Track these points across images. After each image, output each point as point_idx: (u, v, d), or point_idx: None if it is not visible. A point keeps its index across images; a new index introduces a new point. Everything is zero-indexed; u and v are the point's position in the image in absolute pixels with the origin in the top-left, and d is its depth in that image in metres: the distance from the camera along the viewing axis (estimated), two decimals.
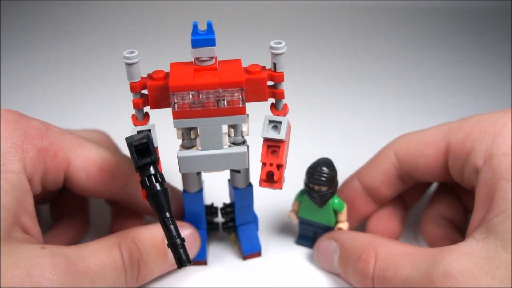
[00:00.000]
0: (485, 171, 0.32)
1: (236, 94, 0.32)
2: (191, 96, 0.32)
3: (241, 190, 0.38)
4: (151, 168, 0.31)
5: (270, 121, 0.34)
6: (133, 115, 0.34)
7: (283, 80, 0.34)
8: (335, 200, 0.38)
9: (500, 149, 0.32)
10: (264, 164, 0.35)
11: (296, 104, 0.65)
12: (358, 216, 0.41)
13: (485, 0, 0.99)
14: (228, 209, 0.40)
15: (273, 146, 0.35)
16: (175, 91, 0.31)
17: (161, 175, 0.32)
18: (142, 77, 0.33)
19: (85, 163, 0.35)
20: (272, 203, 0.46)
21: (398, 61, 0.80)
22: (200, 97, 0.32)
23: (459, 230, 0.41)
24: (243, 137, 0.36)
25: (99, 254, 0.32)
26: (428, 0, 1.01)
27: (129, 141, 0.31)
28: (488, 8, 0.98)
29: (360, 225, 0.42)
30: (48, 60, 0.79)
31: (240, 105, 0.32)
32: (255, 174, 0.38)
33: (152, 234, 0.36)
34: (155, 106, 0.34)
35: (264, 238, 0.43)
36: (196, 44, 0.31)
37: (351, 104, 0.67)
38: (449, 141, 0.35)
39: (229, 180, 0.39)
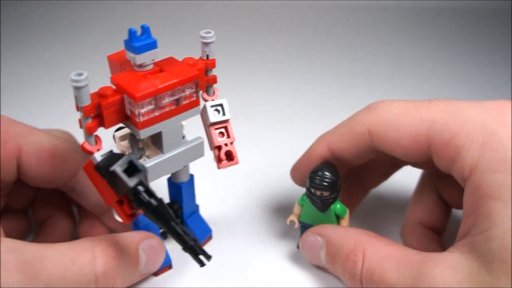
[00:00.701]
0: (471, 183, 0.30)
1: (189, 89, 0.33)
2: (153, 102, 0.31)
3: (186, 183, 0.39)
4: (140, 186, 0.30)
5: (212, 106, 0.36)
6: (84, 143, 0.31)
7: (215, 66, 0.36)
8: (337, 205, 0.38)
9: (487, 164, 0.30)
10: (219, 147, 0.37)
11: (296, 104, 0.67)
12: None
13: (485, 0, 0.98)
14: (174, 206, 0.40)
15: (220, 128, 0.37)
16: (142, 99, 0.31)
17: (150, 188, 0.31)
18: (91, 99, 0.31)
19: (36, 150, 0.35)
20: (272, 207, 0.47)
21: (398, 61, 0.80)
22: (161, 100, 0.32)
23: (437, 237, 0.41)
24: (183, 132, 0.37)
25: (63, 256, 0.30)
26: (428, 0, 0.99)
27: (110, 166, 0.30)
28: (488, 8, 0.98)
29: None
30: (48, 60, 0.79)
31: (195, 98, 0.34)
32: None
33: (126, 242, 0.34)
34: (110, 124, 0.32)
35: (265, 242, 0.43)
36: (140, 49, 0.31)
37: (352, 104, 0.65)
38: (431, 139, 0.33)
39: (168, 179, 0.40)
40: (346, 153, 0.38)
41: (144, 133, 0.32)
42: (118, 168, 0.30)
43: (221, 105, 0.36)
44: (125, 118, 0.32)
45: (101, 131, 0.32)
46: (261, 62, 0.82)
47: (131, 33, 0.31)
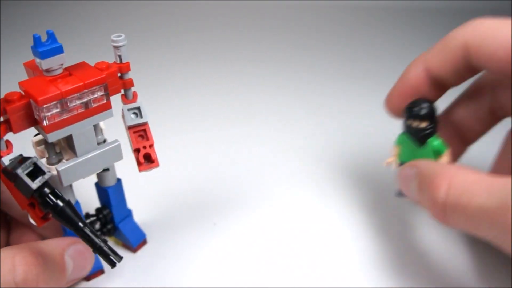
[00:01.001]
0: None
1: (98, 92, 0.34)
2: (59, 106, 0.32)
3: (113, 187, 0.40)
4: (46, 188, 0.31)
5: (129, 109, 0.37)
6: None
7: (129, 70, 0.36)
8: (436, 142, 0.37)
9: None
10: (137, 150, 0.37)
11: (296, 103, 0.68)
12: None
13: (485, 0, 1.00)
14: (104, 211, 0.41)
15: (139, 131, 0.37)
16: (45, 103, 0.31)
17: (57, 190, 0.31)
18: None
19: None
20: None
21: (398, 61, 0.77)
22: (68, 104, 0.32)
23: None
24: (103, 135, 0.37)
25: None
26: (428, 0, 1.00)
27: (14, 169, 0.30)
28: (488, 8, 0.98)
29: None
30: None
31: (105, 101, 0.34)
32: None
33: (50, 248, 0.35)
34: (19, 129, 0.32)
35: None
36: (45, 55, 0.32)
37: (351, 104, 0.68)
38: None
39: (96, 184, 0.40)
40: (442, 70, 0.37)
41: (52, 137, 0.33)
42: (20, 170, 0.30)
43: (138, 108, 0.37)
44: (35, 122, 0.33)
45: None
46: (260, 62, 0.83)
47: (35, 39, 0.32)
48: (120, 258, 0.32)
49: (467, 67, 0.36)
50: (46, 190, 0.31)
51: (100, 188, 0.40)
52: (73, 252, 0.36)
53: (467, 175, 0.32)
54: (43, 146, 0.36)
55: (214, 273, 0.41)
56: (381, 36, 0.93)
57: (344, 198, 0.49)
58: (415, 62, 0.39)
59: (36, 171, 0.31)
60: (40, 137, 0.36)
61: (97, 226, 0.41)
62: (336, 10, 1.03)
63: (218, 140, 0.60)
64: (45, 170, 0.31)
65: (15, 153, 0.32)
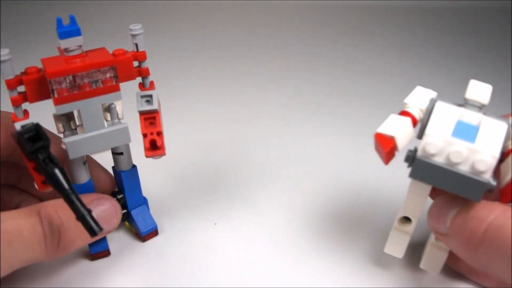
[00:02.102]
0: None
1: (108, 73, 0.36)
2: (68, 81, 0.35)
3: (127, 172, 0.42)
4: (43, 152, 0.34)
5: (142, 96, 0.39)
6: (12, 114, 0.36)
7: (145, 58, 0.39)
8: None
9: None
10: (145, 135, 0.39)
11: (298, 104, 0.71)
12: None
13: (485, 0, 1.01)
14: (118, 196, 0.43)
15: (149, 118, 0.39)
16: (53, 77, 0.34)
17: (54, 157, 0.34)
18: (16, 75, 0.35)
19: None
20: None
21: (398, 61, 0.83)
22: (76, 80, 0.35)
23: None
24: (119, 119, 0.40)
25: (16, 219, 0.33)
26: (428, 0, 1.03)
27: (16, 132, 0.33)
28: (488, 8, 1.01)
29: None
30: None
31: (114, 83, 0.37)
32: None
33: None
34: (34, 99, 0.36)
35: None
36: (63, 35, 0.35)
37: (352, 104, 0.70)
38: None
39: (113, 167, 0.42)
40: None
41: (60, 109, 0.36)
42: (20, 133, 0.33)
43: (150, 95, 0.39)
44: (49, 95, 0.36)
45: None
46: (258, 61, 0.84)
47: (57, 21, 0.35)
48: (100, 229, 0.33)
49: None
50: (42, 154, 0.33)
51: (116, 172, 0.42)
52: (96, 206, 0.39)
53: (508, 209, 0.31)
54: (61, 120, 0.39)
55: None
56: (381, 36, 0.92)
57: (345, 196, 0.49)
58: None
59: (38, 137, 0.34)
60: None
61: None
62: (336, 10, 1.03)
63: (219, 140, 0.60)
64: (44, 137, 0.34)
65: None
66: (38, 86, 0.36)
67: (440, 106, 0.35)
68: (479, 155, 0.31)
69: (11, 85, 0.35)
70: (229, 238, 0.44)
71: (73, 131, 0.38)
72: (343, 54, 0.87)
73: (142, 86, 0.40)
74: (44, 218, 0.35)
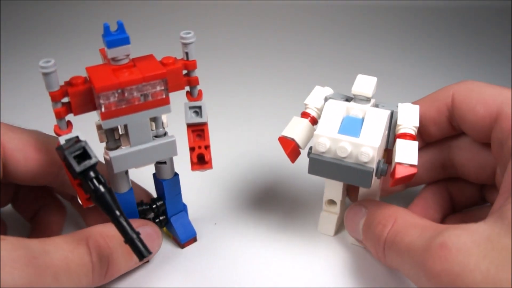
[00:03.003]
0: None
1: (158, 86, 0.34)
2: (116, 95, 0.33)
3: (169, 181, 0.40)
4: (91, 172, 0.32)
5: (191, 107, 0.37)
6: (56, 126, 0.34)
7: (196, 68, 0.36)
8: None
9: None
10: (192, 149, 0.37)
11: (298, 103, 0.68)
12: None
13: (485, 0, 1.00)
14: (158, 202, 0.41)
15: (197, 130, 0.37)
16: (102, 91, 0.32)
17: (102, 176, 0.32)
18: (60, 86, 0.33)
19: (20, 145, 0.35)
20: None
21: (398, 61, 0.82)
22: (125, 94, 0.33)
23: None
24: (164, 128, 0.38)
25: (63, 249, 0.31)
26: (428, 0, 1.02)
27: (62, 148, 0.31)
28: (488, 8, 0.99)
29: None
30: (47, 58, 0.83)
31: (164, 96, 0.34)
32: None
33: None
34: (79, 111, 0.34)
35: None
36: (111, 44, 0.33)
37: None
38: (501, 110, 0.35)
39: (154, 174, 0.41)
40: (427, 116, 0.39)
41: (107, 124, 0.33)
42: (67, 152, 0.31)
43: (199, 107, 0.37)
44: (95, 107, 0.34)
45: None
46: (257, 61, 0.83)
47: (105, 28, 0.33)
48: (149, 253, 0.32)
49: (448, 118, 0.39)
50: (91, 174, 0.32)
51: (157, 180, 0.40)
52: (141, 233, 0.37)
53: (410, 218, 0.34)
54: (103, 131, 0.37)
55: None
56: (382, 36, 0.92)
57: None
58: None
59: (84, 155, 0.32)
60: None
61: (151, 215, 0.42)
62: (336, 10, 1.02)
63: (219, 140, 0.58)
64: (92, 155, 0.32)
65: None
66: (84, 98, 0.33)
67: (330, 104, 0.38)
68: (362, 148, 0.34)
69: (56, 97, 0.32)
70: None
71: (117, 141, 0.37)
72: (346, 54, 0.86)
73: (190, 95, 0.37)
74: (93, 248, 0.33)
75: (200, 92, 0.38)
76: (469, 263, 0.27)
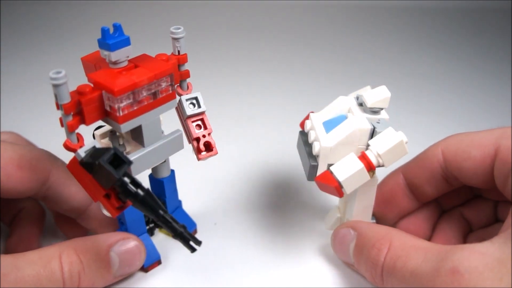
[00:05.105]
0: None
1: (164, 83, 0.34)
2: (131, 97, 0.32)
3: (168, 179, 0.40)
4: (126, 177, 0.31)
5: (187, 100, 0.38)
6: (67, 141, 0.32)
7: (187, 61, 0.37)
8: None
9: None
10: (197, 139, 0.38)
11: (299, 104, 0.68)
12: (399, 212, 0.41)
13: (485, 0, 0.99)
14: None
15: (196, 121, 0.38)
16: (120, 94, 0.31)
17: (136, 179, 0.32)
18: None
19: (3, 163, 0.34)
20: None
21: (397, 61, 0.81)
22: (137, 95, 0.33)
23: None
24: (160, 126, 0.38)
25: (36, 265, 0.31)
26: (428, 0, 0.99)
27: (95, 160, 0.30)
28: (488, 8, 0.98)
29: (398, 221, 0.42)
30: (48, 59, 0.78)
31: (170, 91, 0.35)
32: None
33: (95, 245, 0.35)
34: (91, 120, 0.33)
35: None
36: (115, 47, 0.32)
37: None
38: (499, 145, 0.34)
39: (150, 175, 0.40)
40: (421, 180, 0.39)
41: (125, 127, 0.33)
42: (103, 160, 0.30)
43: (196, 98, 0.38)
44: (105, 114, 0.33)
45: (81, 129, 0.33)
46: (257, 61, 0.84)
47: (104, 31, 0.32)
48: (199, 242, 0.32)
49: (443, 175, 0.38)
50: (127, 179, 0.31)
51: (155, 180, 0.40)
52: (120, 248, 0.37)
53: (406, 240, 0.33)
54: (107, 139, 0.36)
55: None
56: (382, 36, 0.94)
57: None
58: (394, 171, 0.41)
59: (115, 161, 0.31)
60: (103, 130, 0.36)
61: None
62: (336, 10, 1.04)
63: (219, 141, 0.60)
64: (125, 159, 0.31)
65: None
66: (95, 105, 0.32)
67: (340, 99, 0.39)
68: (315, 141, 0.36)
69: (69, 109, 0.31)
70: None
71: (121, 147, 0.36)
72: (347, 54, 0.86)
73: (181, 89, 0.38)
74: (65, 263, 0.33)
75: (189, 84, 0.38)
76: (485, 287, 0.27)
